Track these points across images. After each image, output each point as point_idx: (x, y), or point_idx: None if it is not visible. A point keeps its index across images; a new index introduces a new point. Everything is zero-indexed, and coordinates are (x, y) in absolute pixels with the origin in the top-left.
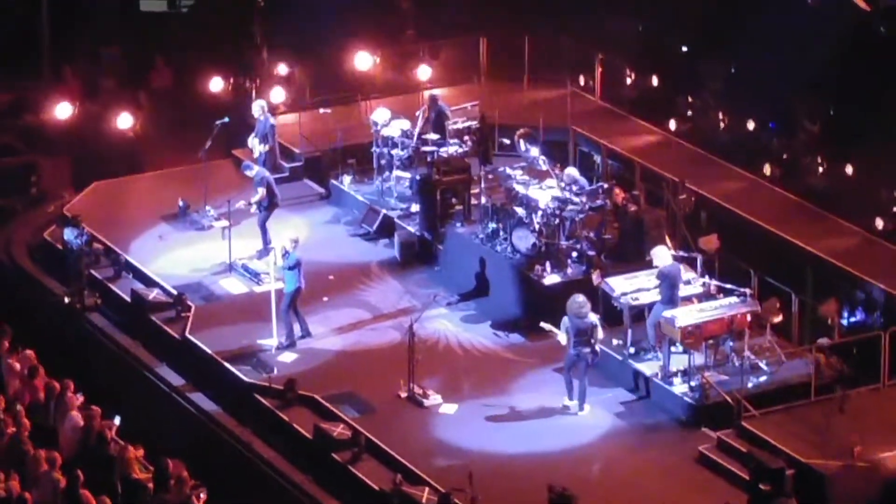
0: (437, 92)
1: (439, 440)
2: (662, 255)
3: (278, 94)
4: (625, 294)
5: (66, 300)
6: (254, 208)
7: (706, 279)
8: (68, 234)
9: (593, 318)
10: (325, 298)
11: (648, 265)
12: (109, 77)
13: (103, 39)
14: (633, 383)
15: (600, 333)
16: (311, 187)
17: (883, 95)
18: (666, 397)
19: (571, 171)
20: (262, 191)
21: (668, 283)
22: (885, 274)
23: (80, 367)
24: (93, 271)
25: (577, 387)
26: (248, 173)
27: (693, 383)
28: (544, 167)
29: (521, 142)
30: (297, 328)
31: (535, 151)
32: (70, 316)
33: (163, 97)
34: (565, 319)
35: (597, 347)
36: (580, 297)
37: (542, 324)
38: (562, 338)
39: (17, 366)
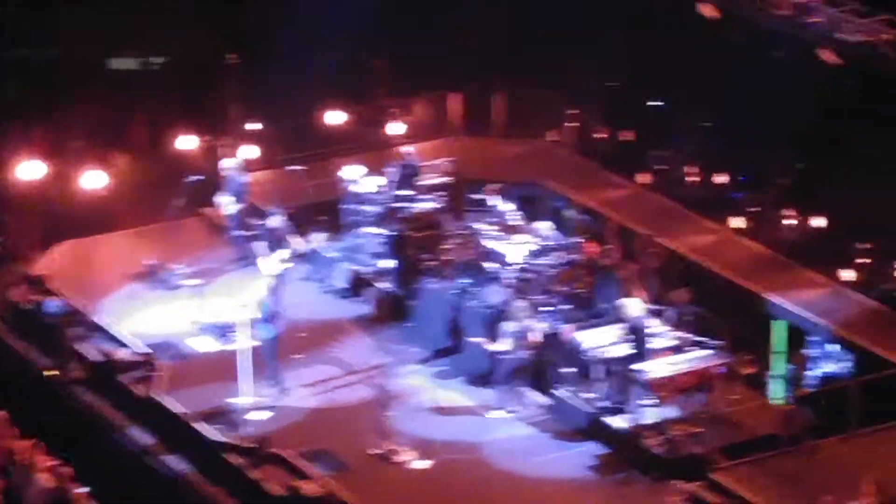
0: (409, 148)
1: (412, 497)
2: (634, 307)
3: (250, 152)
4: (596, 348)
5: (50, 373)
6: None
7: (677, 332)
8: (50, 305)
9: (529, 321)
10: (298, 356)
11: (620, 319)
12: (79, 135)
13: (73, 97)
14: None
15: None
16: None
17: (852, 148)
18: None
19: (543, 225)
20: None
21: (639, 336)
22: (855, 326)
23: (48, 429)
24: (76, 343)
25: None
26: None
27: (664, 436)
28: (517, 222)
29: (494, 197)
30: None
31: (507, 207)
32: (54, 389)
33: (134, 155)
34: (510, 325)
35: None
36: (521, 303)
37: (471, 339)
38: (506, 344)
39: None
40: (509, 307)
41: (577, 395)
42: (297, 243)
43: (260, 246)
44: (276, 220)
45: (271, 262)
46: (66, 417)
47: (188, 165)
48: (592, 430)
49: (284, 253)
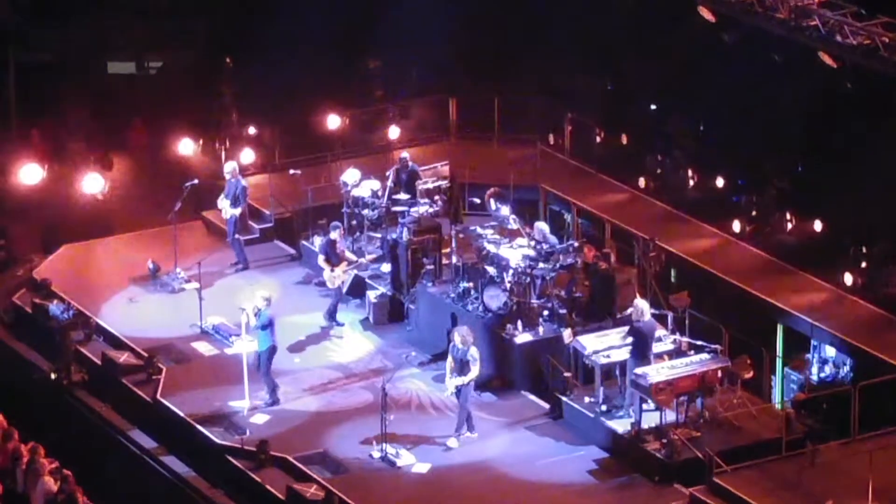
0: (407, 152)
1: (411, 500)
2: (644, 308)
3: (248, 156)
4: (596, 352)
5: (53, 376)
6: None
7: (677, 336)
8: (54, 309)
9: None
10: (297, 359)
11: (619, 323)
12: (77, 139)
13: (71, 101)
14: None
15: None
16: (281, 248)
17: (850, 151)
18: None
19: (541, 225)
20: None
21: (641, 339)
22: (854, 329)
23: (52, 431)
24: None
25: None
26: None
27: (665, 440)
28: (515, 226)
29: (492, 201)
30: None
31: (505, 210)
32: (56, 392)
33: (132, 159)
34: (475, 350)
35: None
36: (463, 328)
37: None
38: (476, 369)
39: None
40: (455, 333)
41: (578, 399)
42: (353, 255)
43: (319, 258)
44: (335, 234)
45: (333, 274)
46: (68, 420)
47: (187, 169)
48: (593, 433)
49: (343, 265)
